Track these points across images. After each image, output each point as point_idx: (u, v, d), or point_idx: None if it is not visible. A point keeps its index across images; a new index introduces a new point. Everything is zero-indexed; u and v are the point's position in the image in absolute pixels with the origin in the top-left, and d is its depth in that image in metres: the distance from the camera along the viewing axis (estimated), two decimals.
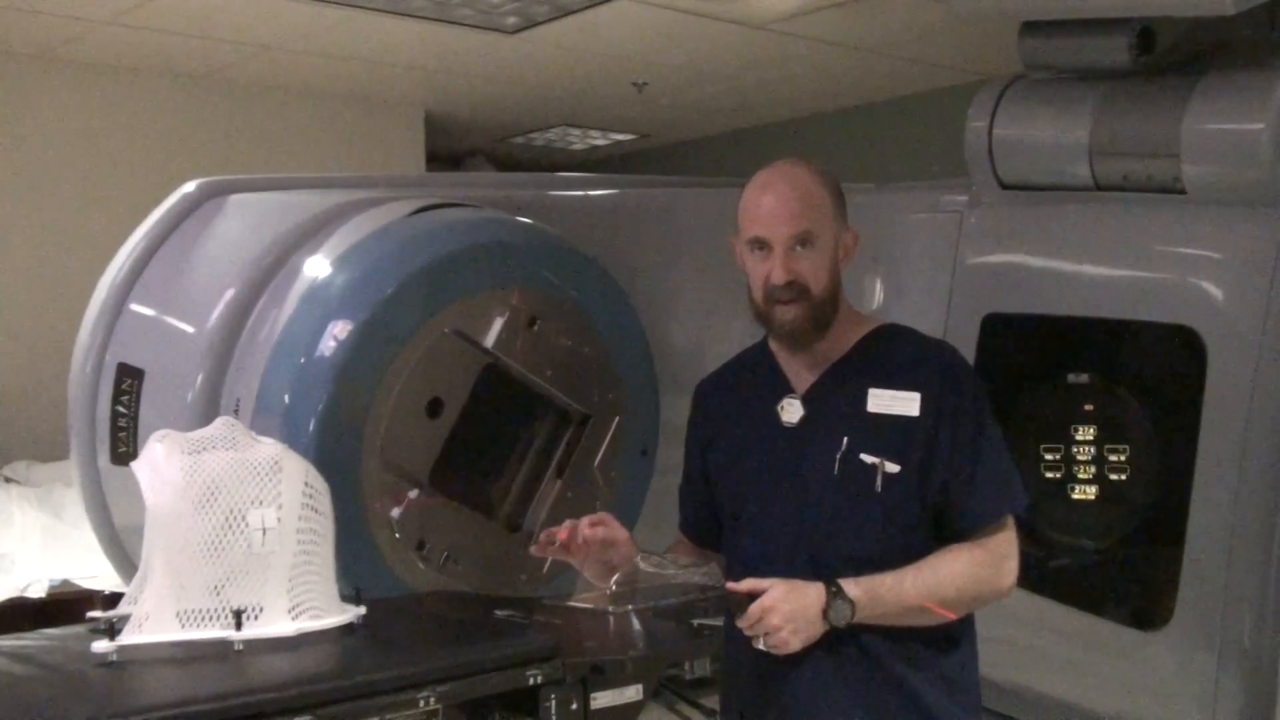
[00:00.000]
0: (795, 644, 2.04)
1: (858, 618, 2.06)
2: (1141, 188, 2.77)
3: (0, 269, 6.65)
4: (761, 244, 2.16)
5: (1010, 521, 2.18)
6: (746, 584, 2.05)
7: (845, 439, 2.16)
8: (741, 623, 2.04)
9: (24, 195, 6.74)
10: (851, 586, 2.06)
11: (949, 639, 2.19)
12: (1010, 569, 2.17)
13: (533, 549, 2.27)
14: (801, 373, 2.25)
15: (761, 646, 2.04)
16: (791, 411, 2.22)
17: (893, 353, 2.22)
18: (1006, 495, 2.18)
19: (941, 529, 2.16)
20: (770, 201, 2.16)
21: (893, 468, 2.13)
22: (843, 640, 2.12)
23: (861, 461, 2.15)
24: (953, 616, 2.13)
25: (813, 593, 2.05)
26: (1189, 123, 2.65)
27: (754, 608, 2.02)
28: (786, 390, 2.25)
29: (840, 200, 2.21)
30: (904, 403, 2.15)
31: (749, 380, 2.33)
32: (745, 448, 2.28)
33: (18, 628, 2.88)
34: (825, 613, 2.04)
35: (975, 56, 6.53)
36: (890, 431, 2.15)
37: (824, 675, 2.15)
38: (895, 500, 2.14)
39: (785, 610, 2.02)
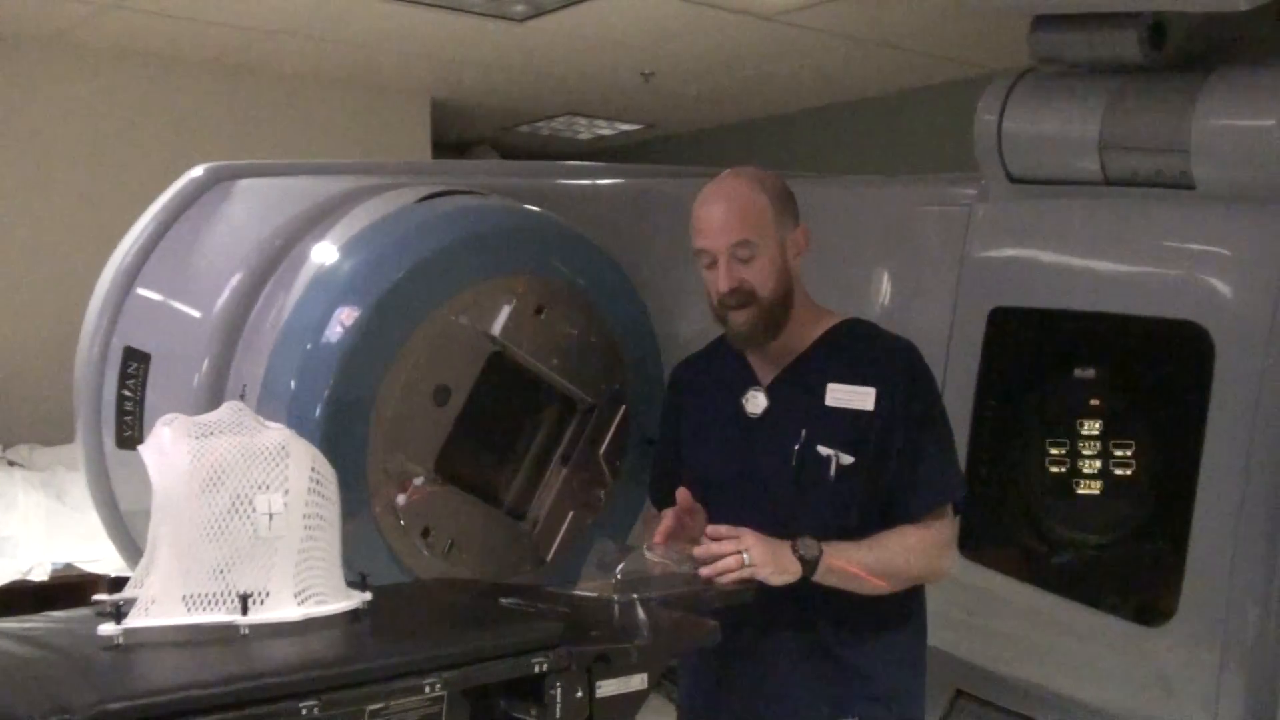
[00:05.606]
0: (769, 571, 2.13)
1: (820, 571, 2.17)
2: (1150, 183, 2.76)
3: (6, 253, 6.65)
4: (707, 255, 2.30)
5: (950, 511, 2.34)
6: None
7: (804, 431, 2.28)
8: (713, 550, 2.14)
9: (30, 179, 6.73)
10: (813, 543, 2.19)
11: (903, 614, 2.34)
12: (950, 554, 2.38)
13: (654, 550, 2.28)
14: (765, 365, 2.37)
15: (732, 577, 2.12)
16: (755, 404, 2.35)
17: (853, 348, 2.35)
18: (948, 487, 2.34)
19: (887, 514, 2.28)
20: (709, 215, 2.32)
21: (847, 459, 2.26)
22: (801, 633, 2.27)
23: (818, 453, 2.27)
24: (890, 589, 2.25)
25: (782, 542, 2.18)
26: (1199, 118, 2.65)
27: (726, 528, 2.16)
28: (752, 382, 2.37)
29: (785, 203, 2.33)
30: (860, 397, 2.28)
31: (718, 370, 2.44)
32: (710, 437, 2.41)
33: (20, 610, 2.88)
34: (794, 547, 2.16)
35: (984, 50, 6.52)
36: (846, 425, 2.27)
37: (783, 667, 2.29)
38: (847, 489, 2.26)
39: (757, 536, 2.15)
